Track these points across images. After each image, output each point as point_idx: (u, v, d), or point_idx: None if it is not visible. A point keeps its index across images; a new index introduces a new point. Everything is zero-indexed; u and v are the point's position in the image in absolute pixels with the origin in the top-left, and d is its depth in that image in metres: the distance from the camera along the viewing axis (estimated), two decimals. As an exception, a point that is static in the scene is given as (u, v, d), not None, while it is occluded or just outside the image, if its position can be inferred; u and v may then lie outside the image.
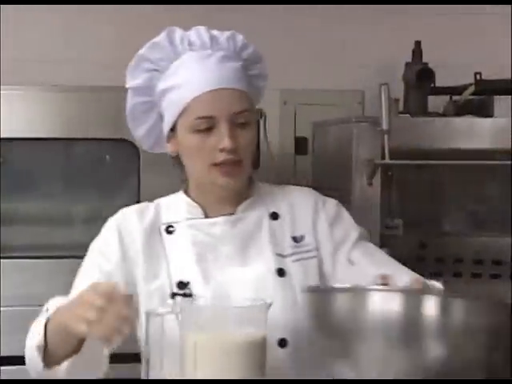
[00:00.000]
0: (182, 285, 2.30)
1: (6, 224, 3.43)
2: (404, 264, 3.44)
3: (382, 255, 2.48)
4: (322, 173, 3.89)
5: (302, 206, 2.45)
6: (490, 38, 4.06)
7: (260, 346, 2.08)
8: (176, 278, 2.31)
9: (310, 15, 4.05)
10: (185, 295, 2.28)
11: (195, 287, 2.29)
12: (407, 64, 3.72)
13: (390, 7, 4.02)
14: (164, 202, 2.45)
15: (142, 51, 2.33)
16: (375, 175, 3.37)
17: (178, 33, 2.31)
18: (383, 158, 3.31)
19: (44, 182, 3.51)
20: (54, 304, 2.19)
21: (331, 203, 2.47)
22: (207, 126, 2.25)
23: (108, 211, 2.85)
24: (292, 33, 4.06)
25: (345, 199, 3.29)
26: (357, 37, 4.05)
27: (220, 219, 2.36)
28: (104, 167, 3.51)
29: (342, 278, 2.34)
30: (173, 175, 3.28)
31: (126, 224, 2.39)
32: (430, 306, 1.84)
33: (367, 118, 3.58)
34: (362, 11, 4.05)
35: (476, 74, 3.65)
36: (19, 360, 3.25)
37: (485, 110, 3.60)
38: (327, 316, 1.90)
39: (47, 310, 2.19)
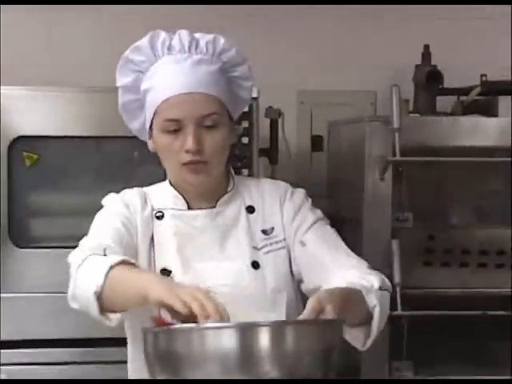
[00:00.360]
0: (166, 272, 2.34)
1: (40, 216, 3.51)
2: (414, 255, 3.52)
3: (335, 240, 2.47)
4: (337, 169, 3.91)
5: (271, 199, 2.47)
6: (495, 41, 4.06)
7: None
8: (160, 265, 2.36)
9: (325, 21, 4.07)
10: None
11: (176, 275, 2.33)
12: (417, 66, 3.76)
13: (401, 13, 4.05)
14: (153, 190, 2.48)
15: (126, 53, 2.36)
16: (387, 171, 3.39)
17: (161, 36, 2.32)
18: (394, 155, 3.35)
19: (76, 177, 3.50)
20: (113, 252, 2.22)
21: (299, 193, 2.52)
22: (175, 128, 2.28)
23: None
24: (308, 37, 4.06)
25: (358, 194, 3.47)
26: (369, 41, 4.08)
27: (201, 212, 2.40)
28: (132, 163, 3.51)
29: (296, 259, 2.42)
30: None
31: (131, 200, 2.42)
32: (263, 337, 1.85)
33: (379, 117, 3.59)
34: (374, 17, 4.07)
35: (482, 75, 3.67)
36: (52, 343, 3.37)
37: (490, 110, 3.62)
38: (167, 354, 1.92)
39: (105, 250, 2.22)
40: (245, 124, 3.38)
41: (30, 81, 3.60)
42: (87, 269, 2.19)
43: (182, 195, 2.41)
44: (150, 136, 2.38)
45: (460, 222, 3.69)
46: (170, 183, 2.44)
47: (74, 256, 2.29)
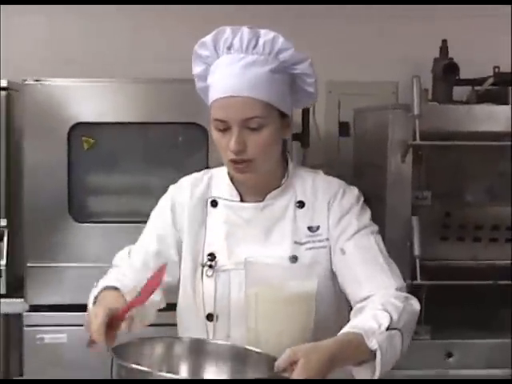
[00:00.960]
0: (212, 256, 2.33)
1: (96, 194, 3.61)
2: (432, 230, 3.57)
3: (374, 253, 2.32)
4: (362, 152, 3.95)
5: (323, 197, 2.37)
6: (506, 37, 4.08)
7: (310, 297, 2.10)
8: (208, 250, 2.34)
9: (352, 20, 4.12)
10: (210, 266, 2.32)
11: (220, 260, 2.32)
12: (435, 59, 3.81)
13: (421, 12, 4.07)
14: (215, 174, 2.43)
15: (195, 47, 2.30)
16: (407, 154, 3.44)
17: (225, 34, 2.24)
18: (414, 139, 3.40)
19: (128, 159, 3.58)
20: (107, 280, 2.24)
21: (351, 194, 2.39)
22: (223, 128, 2.22)
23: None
24: (336, 33, 4.11)
25: (381, 174, 3.48)
26: (392, 36, 4.11)
27: (249, 205, 2.34)
28: (177, 147, 3.57)
29: (335, 264, 2.32)
30: None
31: (179, 196, 2.39)
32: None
33: (401, 105, 3.65)
34: (397, 16, 4.08)
35: (494, 67, 3.71)
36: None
37: (501, 99, 3.65)
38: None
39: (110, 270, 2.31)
40: None
41: (87, 73, 3.70)
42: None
43: (236, 186, 2.36)
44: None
45: (474, 201, 3.71)
46: (228, 174, 2.38)
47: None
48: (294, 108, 2.44)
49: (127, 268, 2.33)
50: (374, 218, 3.53)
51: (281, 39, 2.24)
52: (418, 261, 3.45)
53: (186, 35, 3.95)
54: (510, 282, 3.52)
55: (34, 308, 3.48)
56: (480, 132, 3.54)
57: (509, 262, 3.56)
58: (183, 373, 2.07)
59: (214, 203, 2.38)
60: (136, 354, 2.01)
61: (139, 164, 3.61)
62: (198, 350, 2.11)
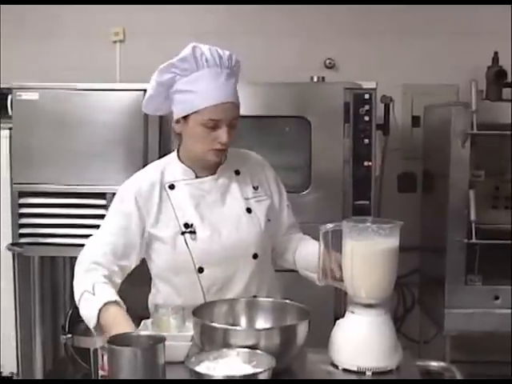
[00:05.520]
0: (187, 225, 2.29)
1: None
2: (484, 201, 3.57)
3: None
4: (430, 139, 3.89)
5: (255, 165, 2.44)
6: None
7: (395, 253, 2.02)
8: (182, 221, 2.29)
9: (422, 35, 4.01)
10: (190, 232, 2.28)
11: (196, 227, 2.28)
12: (488, 67, 3.70)
13: (477, 28, 3.96)
14: (163, 164, 2.38)
15: (173, 61, 2.24)
16: (466, 141, 3.37)
17: (199, 50, 2.23)
18: (472, 129, 3.35)
19: (246, 144, 3.28)
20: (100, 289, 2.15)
21: (269, 165, 2.49)
22: (213, 125, 2.21)
23: (289, 167, 3.12)
24: (410, 46, 4.00)
25: (445, 157, 3.43)
26: (454, 48, 3.99)
27: (207, 178, 2.34)
28: (284, 136, 3.50)
29: (285, 216, 2.47)
30: (334, 141, 3.37)
31: (140, 191, 2.31)
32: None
33: (461, 103, 3.55)
34: (458, 31, 3.99)
35: None
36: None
37: None
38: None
39: (93, 286, 2.15)
40: (367, 107, 3.35)
41: None
42: (84, 307, 2.15)
43: (190, 167, 2.34)
44: (178, 121, 2.28)
45: (518, 177, 3.61)
46: (179, 159, 2.36)
47: (79, 266, 2.26)
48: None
49: (115, 267, 2.27)
50: (439, 192, 3.45)
51: (233, 56, 2.27)
52: (473, 224, 3.39)
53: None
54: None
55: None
56: (524, 124, 3.44)
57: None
58: (243, 322, 2.15)
59: (172, 186, 2.33)
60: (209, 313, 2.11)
61: (255, 148, 3.38)
62: (251, 306, 2.18)
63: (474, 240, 3.37)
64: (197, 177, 2.35)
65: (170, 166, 2.37)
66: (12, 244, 3.60)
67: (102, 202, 3.52)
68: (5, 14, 4.04)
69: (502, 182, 3.66)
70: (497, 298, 3.46)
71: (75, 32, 4.10)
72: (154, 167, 2.40)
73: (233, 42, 3.86)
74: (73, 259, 3.85)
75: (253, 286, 2.35)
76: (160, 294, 2.40)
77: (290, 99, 3.41)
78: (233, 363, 1.85)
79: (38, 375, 3.69)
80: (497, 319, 3.45)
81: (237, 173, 2.40)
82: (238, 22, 4.07)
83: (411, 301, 4.16)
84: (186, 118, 2.26)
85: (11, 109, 3.55)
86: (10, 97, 3.54)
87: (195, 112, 2.22)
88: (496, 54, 3.72)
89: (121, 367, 1.76)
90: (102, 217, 3.36)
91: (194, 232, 2.28)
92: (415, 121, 4.06)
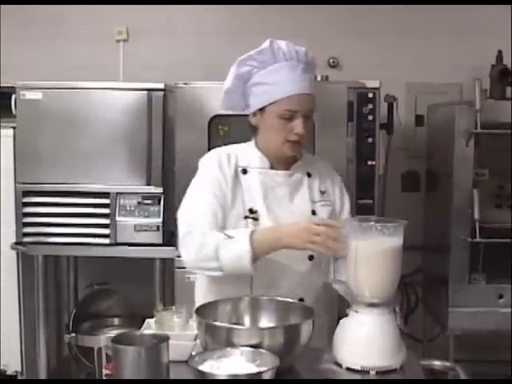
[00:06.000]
0: (252, 211, 2.29)
1: None
2: (488, 199, 3.55)
3: None
4: (434, 138, 3.88)
5: (324, 171, 2.44)
6: None
7: (399, 252, 2.01)
8: (248, 206, 2.30)
9: (426, 36, 4.02)
10: (253, 219, 2.28)
11: (261, 215, 2.29)
12: (492, 66, 3.67)
13: (481, 27, 3.96)
14: (239, 150, 2.39)
15: (251, 53, 2.27)
16: (470, 140, 3.35)
17: (276, 44, 2.25)
18: (476, 128, 3.33)
19: None
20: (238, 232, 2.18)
21: (337, 173, 2.49)
22: (289, 116, 2.23)
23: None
24: (414, 45, 4.01)
25: (449, 156, 3.41)
26: (458, 47, 4.00)
27: (281, 172, 2.34)
28: None
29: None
30: (338, 139, 3.37)
31: (222, 163, 2.32)
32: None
33: (465, 101, 3.57)
34: (462, 32, 3.98)
35: None
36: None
37: None
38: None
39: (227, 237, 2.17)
40: (370, 106, 3.36)
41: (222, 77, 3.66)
42: (228, 247, 2.15)
43: (266, 157, 2.35)
44: (255, 114, 2.31)
45: (522, 176, 3.60)
46: (257, 147, 2.37)
47: (183, 227, 2.25)
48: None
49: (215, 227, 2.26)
50: (443, 191, 3.42)
51: (309, 52, 2.30)
52: (477, 223, 3.38)
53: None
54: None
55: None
56: (527, 122, 3.42)
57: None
58: (246, 321, 2.14)
59: (245, 171, 2.34)
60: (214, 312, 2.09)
61: None
62: (255, 305, 2.16)
63: (477, 239, 3.36)
64: (271, 168, 2.36)
65: (246, 152, 2.38)
66: (16, 243, 3.62)
67: (106, 200, 3.54)
68: (9, 13, 4.05)
69: (505, 181, 3.64)
70: (501, 296, 3.45)
71: (79, 31, 4.11)
72: (230, 148, 2.40)
73: (233, 42, 4.03)
74: (77, 258, 3.87)
75: (300, 289, 2.30)
76: (206, 278, 2.37)
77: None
78: (236, 362, 1.84)
79: (42, 374, 3.69)
80: (500, 318, 3.43)
81: (308, 175, 2.40)
82: (238, 22, 4.08)
83: (415, 300, 4.15)
84: (262, 110, 2.29)
85: (15, 108, 3.56)
86: (13, 96, 3.56)
87: (272, 103, 2.25)
88: (500, 52, 3.70)
89: (124, 366, 1.76)
90: (106, 216, 3.40)
91: (256, 219, 2.28)
92: (419, 120, 4.06)
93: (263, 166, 2.35)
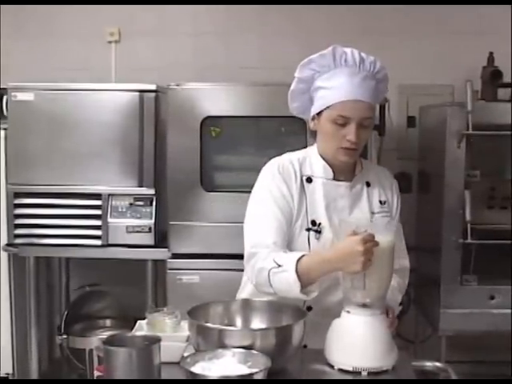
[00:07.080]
0: (314, 223, 2.25)
1: (221, 170, 3.55)
2: (480, 201, 3.53)
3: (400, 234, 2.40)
4: (426, 139, 3.89)
5: (385, 181, 2.39)
6: None
7: (390, 252, 2.02)
8: (310, 217, 2.26)
9: (418, 37, 4.01)
10: (316, 231, 2.25)
11: (323, 227, 2.25)
12: (484, 67, 3.71)
13: (472, 28, 3.96)
14: (301, 156, 2.34)
15: (313, 57, 2.26)
16: (462, 141, 3.35)
17: (340, 50, 2.23)
18: (467, 129, 3.33)
19: (244, 144, 3.54)
20: (285, 258, 2.12)
21: (397, 183, 2.44)
22: (343, 122, 2.19)
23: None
24: (407, 47, 4.01)
25: (441, 157, 3.42)
26: (449, 48, 3.99)
27: (344, 183, 2.30)
28: (280, 135, 3.48)
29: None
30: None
31: (287, 175, 2.28)
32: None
33: (457, 103, 3.56)
34: (454, 32, 3.98)
35: None
36: (226, 256, 3.32)
37: None
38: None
39: (276, 264, 2.11)
40: None
41: (214, 79, 3.66)
42: (277, 276, 2.11)
43: (330, 167, 2.31)
44: (313, 118, 2.29)
45: (514, 178, 3.60)
46: (319, 154, 2.33)
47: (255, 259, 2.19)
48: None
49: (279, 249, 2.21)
50: (435, 192, 3.42)
51: (378, 63, 2.26)
52: (469, 225, 3.39)
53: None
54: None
55: (175, 256, 3.47)
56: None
57: (541, 225, 3.44)
58: (238, 323, 2.13)
59: (309, 180, 2.30)
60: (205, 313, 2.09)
61: (252, 147, 3.55)
62: (247, 306, 2.16)
63: (469, 240, 3.37)
64: (334, 178, 2.32)
65: (310, 159, 2.34)
66: (7, 245, 3.61)
67: (98, 202, 3.54)
68: (-1, 14, 4.05)
69: (497, 182, 3.64)
70: (492, 297, 3.46)
71: (71, 32, 4.10)
72: (292, 156, 2.35)
73: (232, 42, 4.07)
74: (68, 260, 3.88)
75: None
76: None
77: (283, 100, 3.37)
78: (228, 363, 1.84)
79: (34, 375, 3.69)
80: (492, 319, 3.44)
81: (367, 184, 2.36)
82: (237, 22, 4.08)
83: (407, 301, 4.15)
84: (319, 114, 2.26)
85: (6, 109, 3.56)
86: (5, 97, 3.56)
87: (327, 108, 2.23)
88: (491, 54, 3.72)
89: (116, 368, 1.75)
90: (98, 217, 3.40)
91: (319, 232, 2.25)
92: (411, 121, 4.07)
93: (327, 176, 2.31)
